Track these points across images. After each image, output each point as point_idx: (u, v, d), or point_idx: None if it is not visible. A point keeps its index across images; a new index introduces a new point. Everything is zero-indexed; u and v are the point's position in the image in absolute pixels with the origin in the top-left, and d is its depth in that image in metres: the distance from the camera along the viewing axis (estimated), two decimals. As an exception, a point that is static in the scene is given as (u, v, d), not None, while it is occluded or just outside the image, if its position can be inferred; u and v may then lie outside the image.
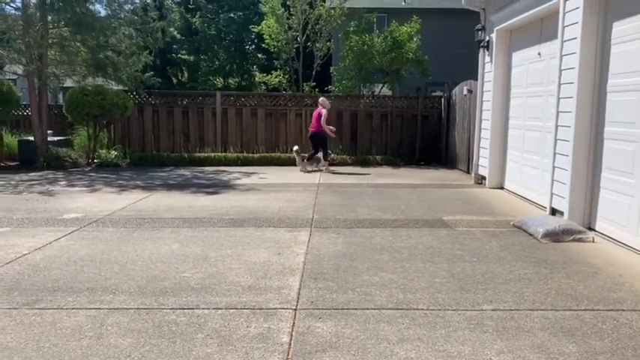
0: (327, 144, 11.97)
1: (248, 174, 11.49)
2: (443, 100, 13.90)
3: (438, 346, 3.29)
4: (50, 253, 5.27)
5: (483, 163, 10.05)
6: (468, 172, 11.32)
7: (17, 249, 5.38)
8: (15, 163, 12.65)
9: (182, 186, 9.82)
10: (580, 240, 5.83)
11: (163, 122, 13.92)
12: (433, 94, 16.37)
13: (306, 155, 12.08)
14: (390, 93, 16.25)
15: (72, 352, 3.19)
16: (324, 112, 11.65)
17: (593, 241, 5.83)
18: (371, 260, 5.10)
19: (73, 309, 3.84)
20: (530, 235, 6.06)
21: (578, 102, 6.40)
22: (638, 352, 3.22)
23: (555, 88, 7.01)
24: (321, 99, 12.09)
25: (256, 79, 26.59)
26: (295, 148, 12.33)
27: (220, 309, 3.86)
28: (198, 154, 13.45)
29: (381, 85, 16.54)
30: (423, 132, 14.07)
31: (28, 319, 3.67)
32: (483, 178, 10.03)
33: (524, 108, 8.58)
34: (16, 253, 5.22)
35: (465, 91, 11.69)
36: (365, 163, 13.28)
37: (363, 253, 5.37)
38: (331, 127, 11.93)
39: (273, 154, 13.53)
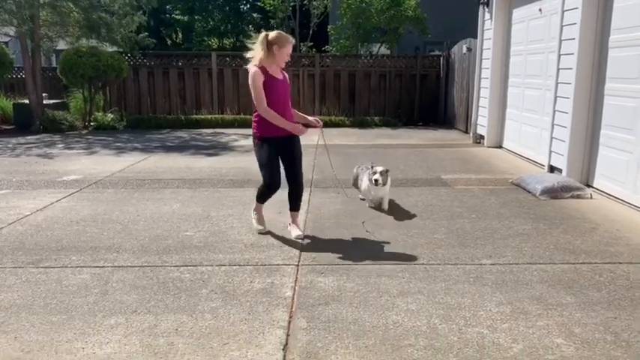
0: (271, 160, 4.55)
1: (246, 136, 11.42)
2: (442, 59, 13.73)
3: (438, 298, 3.36)
4: (52, 213, 5.30)
5: (482, 122, 10.02)
6: (467, 132, 11.30)
7: (19, 210, 5.40)
8: (11, 127, 12.55)
9: (180, 148, 9.79)
10: (578, 196, 5.87)
11: (159, 84, 13.76)
12: (432, 53, 16.14)
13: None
14: (388, 52, 16.03)
15: (79, 307, 3.24)
16: (253, 73, 4.35)
17: (591, 198, 5.88)
18: (370, 218, 5.14)
19: (77, 267, 3.89)
20: (529, 192, 6.09)
21: (579, 58, 6.34)
22: (634, 303, 3.29)
23: (556, 44, 6.93)
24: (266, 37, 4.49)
25: (252, 39, 26.07)
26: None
27: (224, 265, 3.91)
28: (195, 116, 13.36)
29: (379, 45, 16.30)
30: (421, 92, 13.95)
31: (33, 277, 3.71)
32: (482, 137, 10.01)
33: (524, 66, 8.49)
34: (17, 215, 5.25)
35: (465, 50, 11.55)
36: (363, 125, 13.22)
37: (361, 211, 5.41)
38: (309, 118, 4.84)
39: (270, 116, 13.42)
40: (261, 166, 4.54)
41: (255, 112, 4.46)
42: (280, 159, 4.60)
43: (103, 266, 3.90)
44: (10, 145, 9.86)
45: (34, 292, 3.47)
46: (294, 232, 4.65)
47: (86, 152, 9.20)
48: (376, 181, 5.32)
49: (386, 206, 5.46)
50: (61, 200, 5.82)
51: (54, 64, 17.28)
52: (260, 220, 4.80)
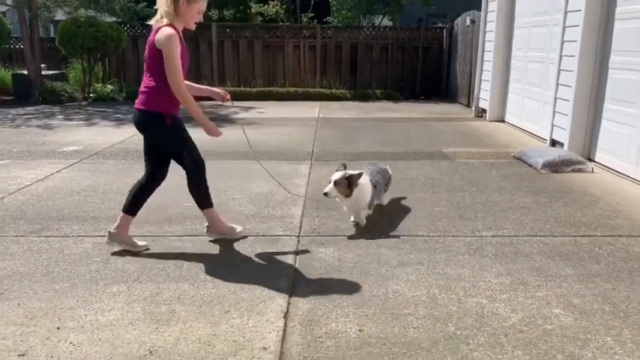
0: (184, 151, 3.77)
1: (246, 108, 11.37)
2: (445, 31, 13.56)
3: (438, 269, 3.38)
4: (53, 184, 5.30)
5: (484, 96, 9.94)
6: (469, 106, 11.23)
7: (19, 180, 5.40)
8: (10, 98, 12.46)
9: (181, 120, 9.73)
10: (579, 170, 5.86)
11: (159, 55, 13.59)
12: (434, 25, 15.92)
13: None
14: (390, 24, 15.82)
15: (81, 276, 3.26)
16: (170, 36, 3.29)
17: (592, 172, 5.87)
18: (372, 190, 5.14)
19: (79, 236, 3.91)
20: (530, 165, 6.08)
21: (584, 30, 6.25)
22: (633, 275, 3.31)
23: (561, 17, 6.82)
24: None
25: (252, 10, 25.75)
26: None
27: (225, 236, 3.92)
28: (195, 88, 13.22)
29: (381, 16, 16.09)
30: (424, 65, 13.81)
31: (35, 246, 3.73)
32: (484, 111, 9.95)
33: (528, 39, 8.38)
34: (18, 185, 5.25)
35: (468, 22, 11.39)
36: (364, 98, 13.12)
37: (363, 183, 5.41)
38: (215, 90, 4.02)
39: (271, 89, 13.33)
40: (185, 146, 3.67)
41: (150, 82, 3.42)
42: None
43: (105, 236, 3.89)
44: (9, 116, 9.81)
45: (36, 260, 3.49)
46: (238, 229, 3.95)
47: (86, 123, 9.16)
48: (326, 194, 3.94)
49: (362, 221, 4.15)
50: (61, 171, 5.82)
51: (52, 35, 17.08)
52: (226, 226, 3.85)
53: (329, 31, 13.85)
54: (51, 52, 13.42)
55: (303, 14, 16.85)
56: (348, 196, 3.98)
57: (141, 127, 3.56)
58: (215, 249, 3.69)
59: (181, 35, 3.41)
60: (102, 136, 7.85)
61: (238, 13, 28.64)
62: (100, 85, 12.87)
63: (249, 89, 13.28)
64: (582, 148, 6.44)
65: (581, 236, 3.96)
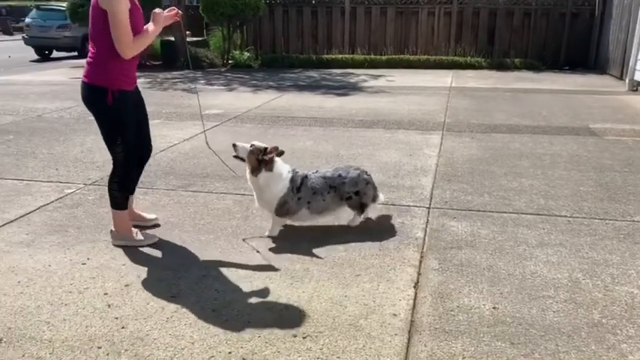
0: (132, 122, 3.19)
1: (375, 76, 11.29)
2: (598, -5, 12.29)
3: (582, 252, 3.14)
4: (197, 143, 5.70)
5: (642, 67, 8.91)
6: (621, 78, 10.14)
7: (168, 139, 5.88)
8: (158, 63, 13.55)
9: (312, 87, 9.94)
10: None
11: (293, 23, 13.94)
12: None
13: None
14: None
15: (223, 229, 3.51)
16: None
17: None
18: (508, 165, 4.89)
19: (221, 193, 4.18)
20: (696, 147, 5.39)
21: None
22: None
23: None
24: None
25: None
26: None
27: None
28: (325, 56, 13.39)
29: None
30: (570, 32, 12.66)
31: (183, 199, 4.07)
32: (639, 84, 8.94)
33: None
34: (167, 143, 5.72)
35: (628, -16, 10.20)
36: (501, 67, 12.40)
37: (499, 158, 5.16)
38: (156, 16, 3.14)
39: (402, 56, 13.09)
40: (121, 132, 3.10)
41: (95, 51, 2.99)
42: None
43: (244, 194, 4.14)
44: (158, 80, 10.69)
45: (184, 212, 3.80)
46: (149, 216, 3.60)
47: (225, 89, 9.70)
48: (234, 146, 3.39)
49: (272, 232, 3.41)
50: (205, 132, 6.23)
51: (196, 3, 18.17)
52: (134, 232, 3.31)
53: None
54: (195, 20, 14.31)
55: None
56: (254, 172, 3.29)
57: (85, 102, 3.11)
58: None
59: None
60: (240, 101, 8.27)
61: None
62: (237, 52, 13.51)
63: (379, 57, 13.16)
64: None
65: None
